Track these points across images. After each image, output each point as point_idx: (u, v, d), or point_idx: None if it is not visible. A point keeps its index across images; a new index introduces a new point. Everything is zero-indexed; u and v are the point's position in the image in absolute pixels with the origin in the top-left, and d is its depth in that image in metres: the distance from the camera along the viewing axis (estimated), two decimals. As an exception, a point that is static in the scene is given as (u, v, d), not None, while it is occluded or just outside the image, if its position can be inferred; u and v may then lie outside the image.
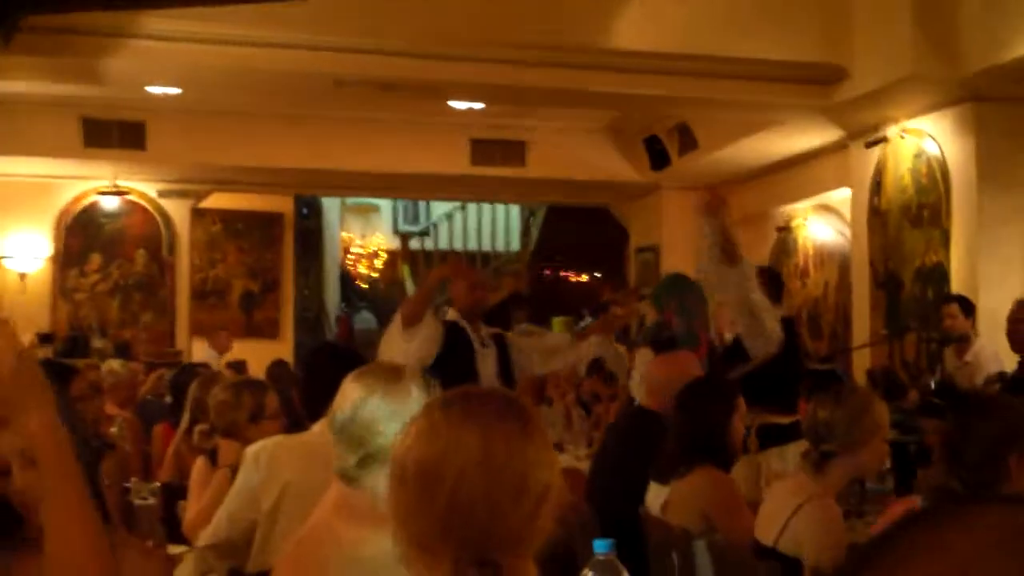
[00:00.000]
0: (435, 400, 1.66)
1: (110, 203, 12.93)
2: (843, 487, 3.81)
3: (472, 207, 17.14)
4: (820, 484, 3.55)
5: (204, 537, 3.43)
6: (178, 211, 13.12)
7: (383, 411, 2.50)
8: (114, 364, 7.72)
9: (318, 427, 3.49)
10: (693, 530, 3.95)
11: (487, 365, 5.91)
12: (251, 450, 3.45)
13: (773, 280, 6.76)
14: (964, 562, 0.71)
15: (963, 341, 7.20)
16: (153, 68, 8.53)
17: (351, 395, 2.56)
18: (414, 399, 2.46)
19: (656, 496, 4.26)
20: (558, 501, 1.58)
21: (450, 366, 5.65)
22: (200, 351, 12.66)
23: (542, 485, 1.55)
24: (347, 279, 18.86)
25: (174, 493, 5.03)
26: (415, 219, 19.28)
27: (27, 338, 10.47)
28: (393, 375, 2.61)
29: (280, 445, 3.45)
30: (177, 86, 9.46)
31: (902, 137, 8.86)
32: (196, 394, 5.55)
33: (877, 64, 8.23)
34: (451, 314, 6.05)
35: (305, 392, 3.96)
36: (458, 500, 1.51)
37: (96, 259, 12.96)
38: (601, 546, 2.27)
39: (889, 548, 0.75)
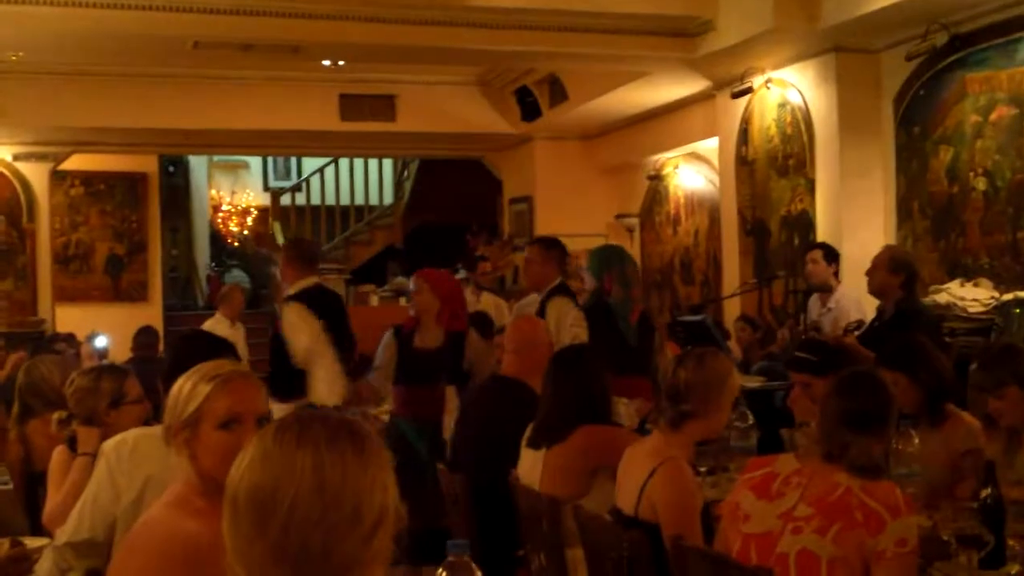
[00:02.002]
0: (268, 426, 1.61)
1: (-36, 168, 12.44)
2: (695, 447, 3.89)
3: (344, 161, 16.93)
4: (673, 444, 3.59)
5: (62, 534, 3.32)
6: (36, 175, 12.66)
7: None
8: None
9: None
10: (573, 494, 3.98)
11: None
12: (111, 443, 3.34)
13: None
14: None
15: (826, 289, 7.36)
16: (2, 31, 8.17)
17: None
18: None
19: (531, 464, 4.26)
20: (396, 523, 1.56)
21: None
22: (66, 319, 12.32)
23: (379, 508, 1.52)
24: (217, 238, 18.53)
25: (34, 479, 4.89)
26: (286, 174, 18.99)
27: None
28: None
29: (142, 437, 3.34)
30: (24, 49, 9.08)
31: (767, 87, 8.98)
32: (22, 380, 5.36)
33: (741, 17, 8.30)
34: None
35: (170, 381, 3.84)
36: (292, 528, 1.48)
37: (-49, 225, 12.49)
38: (454, 547, 2.26)
39: None
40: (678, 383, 3.63)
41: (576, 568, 3.84)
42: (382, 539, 1.53)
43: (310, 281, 6.37)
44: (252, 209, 18.67)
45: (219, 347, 3.77)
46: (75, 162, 13.06)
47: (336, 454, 1.52)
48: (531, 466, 4.26)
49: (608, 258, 6.41)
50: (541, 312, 6.05)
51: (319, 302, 6.21)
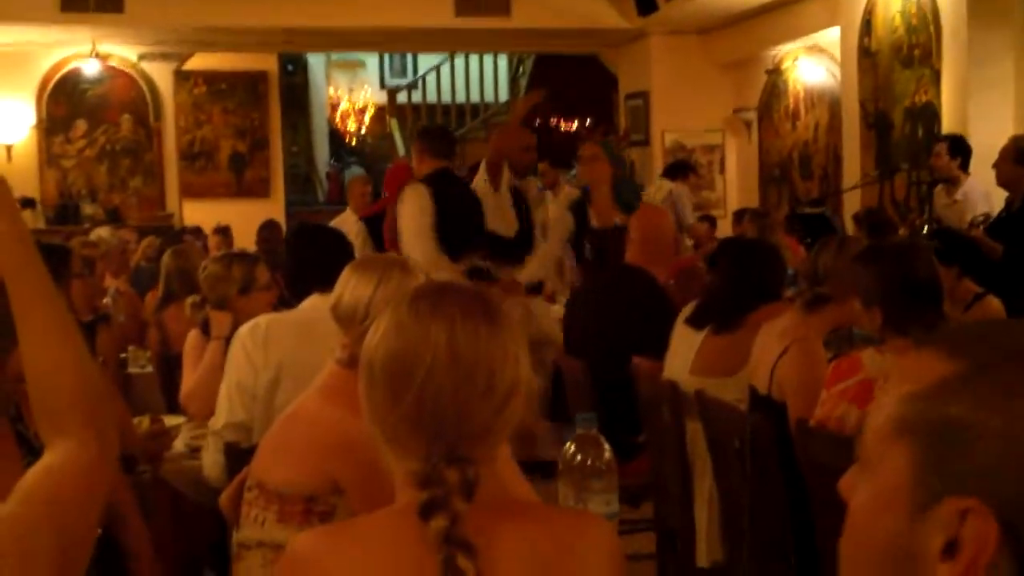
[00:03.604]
0: (402, 296, 1.65)
1: (91, 69, 12.75)
2: (828, 332, 3.86)
3: (460, 59, 16.89)
4: (807, 325, 3.59)
5: (217, 419, 3.47)
6: (161, 74, 12.94)
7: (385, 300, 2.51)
8: (103, 232, 7.71)
9: (308, 303, 3.53)
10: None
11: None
12: (245, 328, 3.47)
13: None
14: None
15: (952, 182, 7.20)
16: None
17: (360, 284, 2.57)
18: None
19: (687, 344, 4.27)
20: (527, 394, 1.59)
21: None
22: (191, 214, 12.66)
23: (509, 381, 1.56)
24: (336, 136, 18.72)
25: (170, 363, 5.10)
26: (402, 73, 19.01)
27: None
28: (398, 265, 2.64)
29: (273, 322, 3.48)
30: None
31: (893, -26, 8.69)
32: (169, 264, 5.57)
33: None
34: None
35: (290, 273, 3.95)
36: (426, 397, 1.52)
37: (81, 125, 12.85)
38: (584, 420, 2.32)
39: None
40: (817, 266, 3.64)
41: (695, 445, 3.89)
42: (514, 409, 1.57)
43: (436, 165, 5.90)
44: (369, 107, 18.79)
45: (333, 241, 3.90)
46: (197, 62, 13.29)
47: (469, 326, 1.56)
48: (685, 347, 4.24)
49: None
50: None
51: (442, 189, 5.74)
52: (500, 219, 5.94)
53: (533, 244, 6.09)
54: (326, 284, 3.38)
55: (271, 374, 3.34)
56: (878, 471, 0.93)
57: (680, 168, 9.75)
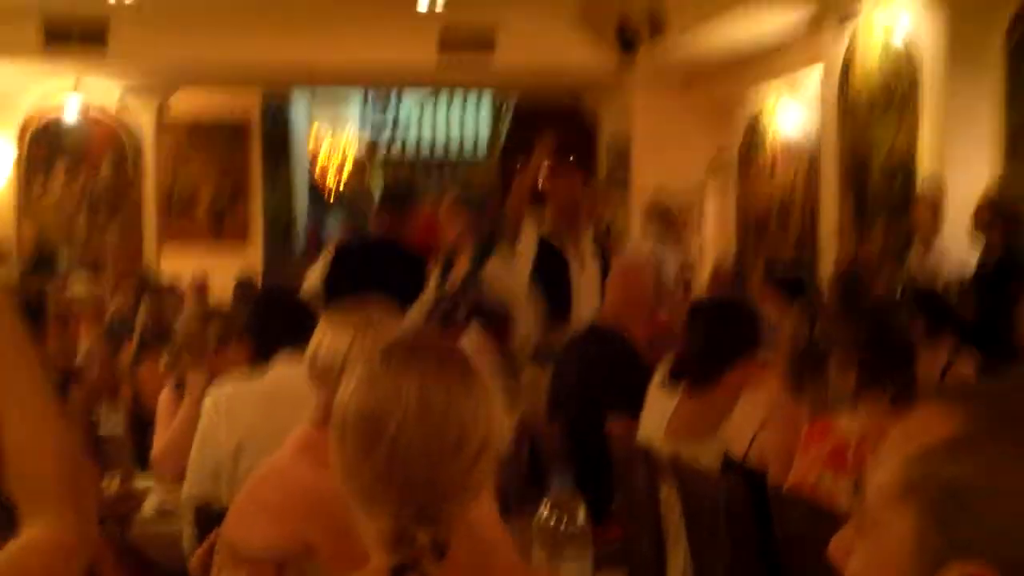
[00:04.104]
0: (376, 350, 1.64)
1: (73, 115, 12.72)
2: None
3: (442, 108, 16.98)
4: (791, 395, 3.58)
5: (185, 490, 3.45)
6: (143, 120, 12.92)
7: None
8: (79, 287, 7.65)
9: (273, 372, 3.50)
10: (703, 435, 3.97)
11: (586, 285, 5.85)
12: (209, 399, 3.46)
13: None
14: None
15: (930, 236, 7.24)
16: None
17: (337, 338, 2.54)
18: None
19: (661, 406, 4.25)
20: (498, 452, 1.59)
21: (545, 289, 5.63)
22: (169, 263, 12.60)
23: (481, 438, 1.55)
24: (315, 186, 18.73)
25: (142, 419, 5.05)
26: (383, 126, 19.11)
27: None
28: (375, 317, 2.61)
29: (237, 391, 3.46)
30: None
31: (873, 18, 8.73)
32: (144, 317, 5.54)
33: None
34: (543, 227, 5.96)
35: (255, 338, 3.90)
36: (398, 453, 1.52)
37: (60, 170, 12.81)
38: (560, 480, 2.31)
39: None
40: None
41: (670, 510, 3.86)
42: (485, 468, 1.56)
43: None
44: (349, 159, 18.84)
45: (296, 307, 3.88)
46: (180, 108, 13.29)
47: (442, 381, 1.56)
48: (660, 409, 4.22)
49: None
50: None
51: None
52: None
53: None
54: (292, 349, 3.38)
55: (233, 445, 3.31)
56: (880, 534, 0.91)
57: (666, 224, 9.71)
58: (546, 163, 6.35)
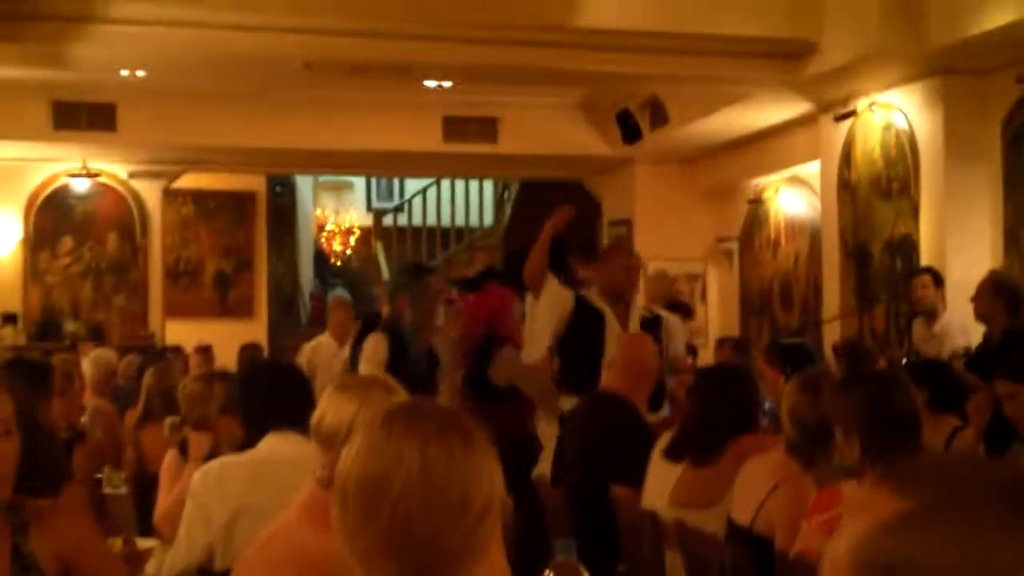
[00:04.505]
0: (376, 416, 1.64)
1: (81, 185, 12.84)
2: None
3: (446, 182, 17.12)
4: (798, 464, 3.58)
5: (167, 568, 3.43)
6: (150, 192, 13.04)
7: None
8: (97, 354, 7.66)
9: (265, 444, 3.45)
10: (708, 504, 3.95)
11: None
12: (198, 474, 3.42)
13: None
14: None
15: (932, 314, 7.26)
16: (121, 52, 8.48)
17: (343, 405, 2.56)
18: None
19: (662, 476, 4.23)
20: (501, 514, 1.59)
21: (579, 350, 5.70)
22: (174, 333, 12.64)
23: (484, 499, 1.55)
24: (321, 256, 18.84)
25: (146, 483, 5.05)
26: (389, 195, 19.24)
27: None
28: (382, 386, 2.63)
29: (228, 466, 3.42)
30: (146, 69, 9.42)
31: (871, 111, 8.89)
32: (150, 383, 5.56)
33: (845, 38, 8.24)
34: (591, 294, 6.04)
35: (245, 412, 3.74)
36: (400, 518, 1.51)
37: (68, 242, 12.88)
38: (562, 547, 2.31)
39: None
40: (802, 415, 3.64)
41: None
42: (489, 528, 1.56)
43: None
44: (355, 229, 18.96)
45: (291, 377, 3.86)
46: (186, 181, 13.43)
47: (443, 445, 1.55)
48: (662, 478, 4.25)
49: (400, 281, 6.37)
50: None
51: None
52: None
53: None
54: (283, 424, 3.41)
55: (226, 517, 3.28)
56: None
57: (680, 307, 9.79)
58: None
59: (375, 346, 5.80)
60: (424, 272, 6.52)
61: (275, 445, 3.37)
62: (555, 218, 6.13)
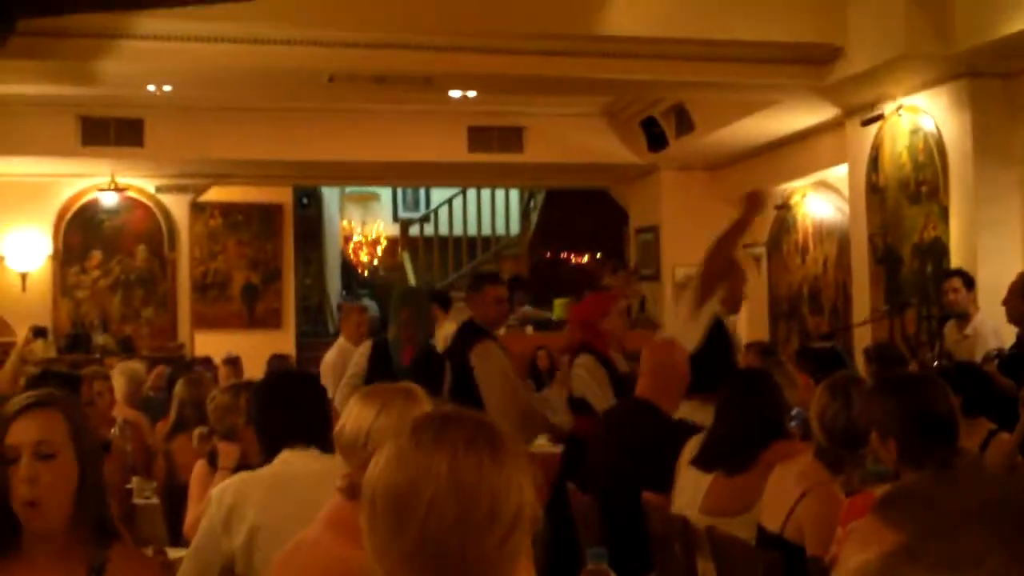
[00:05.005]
0: (404, 426, 1.62)
1: (109, 200, 12.94)
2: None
3: (472, 192, 17.14)
4: (827, 471, 3.56)
5: None
6: (177, 206, 13.13)
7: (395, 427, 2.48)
8: (126, 366, 7.70)
9: (281, 459, 3.39)
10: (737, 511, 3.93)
11: None
12: (216, 491, 3.36)
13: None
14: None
15: (964, 317, 7.21)
16: (148, 68, 8.54)
17: (363, 412, 2.56)
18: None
19: (693, 484, 4.22)
20: (534, 522, 1.56)
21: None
22: (203, 345, 12.70)
23: (514, 509, 1.53)
24: (348, 267, 18.89)
25: (177, 493, 5.07)
26: (415, 206, 19.27)
27: (22, 332, 10.51)
28: (403, 393, 2.62)
29: (246, 481, 3.35)
30: (172, 84, 9.47)
31: (899, 114, 8.85)
32: (182, 394, 5.58)
33: (871, 42, 8.21)
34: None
35: (260, 426, 3.65)
36: (429, 529, 1.49)
37: (96, 256, 12.97)
38: (594, 555, 2.30)
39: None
40: (832, 423, 3.62)
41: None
42: (519, 540, 1.53)
43: None
44: (382, 239, 19.01)
45: (309, 385, 3.80)
46: (214, 194, 13.50)
47: (473, 455, 1.53)
48: (692, 486, 4.23)
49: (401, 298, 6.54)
50: None
51: None
52: None
53: None
54: (299, 438, 3.35)
55: (244, 534, 3.21)
56: None
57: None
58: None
59: (358, 355, 6.15)
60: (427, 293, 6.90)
61: (291, 460, 3.33)
62: (749, 205, 6.25)
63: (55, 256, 12.80)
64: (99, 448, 2.62)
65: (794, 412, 5.58)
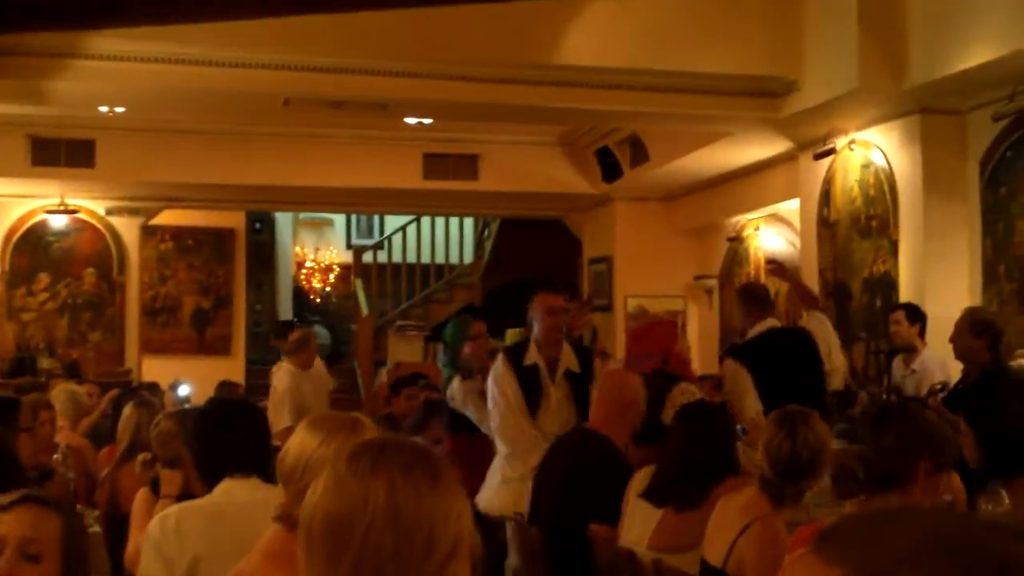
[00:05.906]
0: (343, 453, 1.60)
1: (58, 222, 12.79)
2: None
3: (426, 220, 17.09)
4: (770, 503, 3.55)
5: None
6: (128, 229, 13.00)
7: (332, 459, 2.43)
8: (65, 387, 7.56)
9: (221, 488, 3.34)
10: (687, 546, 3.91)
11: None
12: (155, 521, 3.31)
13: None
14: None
15: (909, 350, 7.25)
16: (100, 88, 8.44)
17: (306, 441, 2.51)
18: None
19: (642, 517, 4.18)
20: (472, 550, 1.55)
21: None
22: (151, 370, 12.54)
23: (452, 538, 1.51)
24: (300, 293, 18.77)
25: (118, 522, 4.96)
26: (369, 232, 19.20)
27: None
28: (349, 425, 2.57)
29: (185, 511, 3.31)
30: (125, 105, 9.38)
31: (851, 149, 8.93)
32: (137, 418, 5.47)
33: (825, 77, 8.29)
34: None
35: (199, 456, 3.58)
36: (367, 558, 1.47)
37: (44, 278, 12.81)
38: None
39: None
40: (780, 456, 3.62)
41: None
42: (457, 569, 1.52)
43: (766, 325, 6.57)
44: (335, 266, 18.91)
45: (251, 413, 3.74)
46: (165, 217, 13.39)
47: (411, 484, 1.51)
48: (641, 519, 4.19)
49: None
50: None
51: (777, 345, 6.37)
52: None
53: None
54: (240, 467, 3.31)
55: (184, 568, 3.15)
56: None
57: None
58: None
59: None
60: None
61: (232, 490, 3.28)
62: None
63: (1, 278, 12.62)
64: (87, 555, 2.46)
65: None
